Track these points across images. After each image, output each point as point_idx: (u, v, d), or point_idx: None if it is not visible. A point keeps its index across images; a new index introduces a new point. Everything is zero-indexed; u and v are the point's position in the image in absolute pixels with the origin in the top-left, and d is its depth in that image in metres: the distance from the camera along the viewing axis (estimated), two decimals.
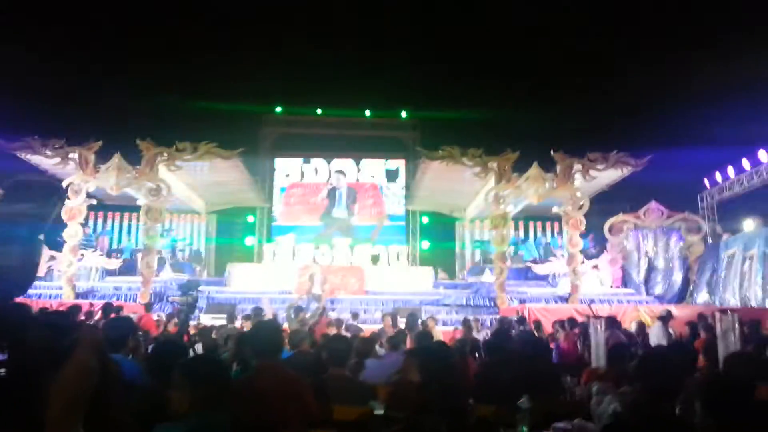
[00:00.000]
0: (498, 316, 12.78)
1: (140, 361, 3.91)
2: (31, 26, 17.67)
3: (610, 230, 16.84)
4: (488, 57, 20.56)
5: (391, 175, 22.67)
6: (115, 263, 17.21)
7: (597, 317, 5.80)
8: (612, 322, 7.76)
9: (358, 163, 22.52)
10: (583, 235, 16.07)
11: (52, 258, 15.99)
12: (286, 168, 22.61)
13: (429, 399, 2.34)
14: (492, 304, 14.93)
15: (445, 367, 3.12)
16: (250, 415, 2.47)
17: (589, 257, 16.74)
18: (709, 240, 16.65)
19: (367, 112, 22.21)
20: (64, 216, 15.08)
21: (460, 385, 2.28)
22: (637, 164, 15.40)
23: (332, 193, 22.44)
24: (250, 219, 21.95)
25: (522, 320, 11.59)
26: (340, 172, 22.56)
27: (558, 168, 15.37)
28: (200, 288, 14.04)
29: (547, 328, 10.96)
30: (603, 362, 5.16)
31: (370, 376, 4.96)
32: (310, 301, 13.02)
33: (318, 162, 22.53)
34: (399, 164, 22.62)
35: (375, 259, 18.40)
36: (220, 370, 2.43)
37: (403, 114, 22.33)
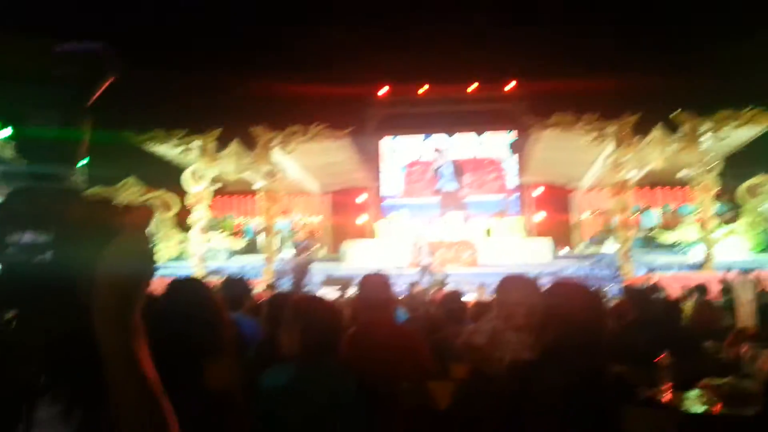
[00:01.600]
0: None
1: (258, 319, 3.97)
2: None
3: (747, 192, 15.38)
4: (595, 18, 19.32)
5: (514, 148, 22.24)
6: (240, 243, 18.07)
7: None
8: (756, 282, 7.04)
9: (480, 135, 22.32)
10: (718, 198, 14.82)
11: (182, 241, 17.06)
12: (399, 146, 22.79)
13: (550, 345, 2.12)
14: (616, 274, 14.14)
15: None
16: (364, 365, 2.37)
17: (724, 222, 15.42)
18: None
19: (474, 85, 21.66)
20: (190, 200, 16.02)
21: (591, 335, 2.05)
22: None
23: (438, 169, 22.31)
24: (362, 198, 22.24)
25: (654, 288, 10.87)
26: (437, 150, 22.48)
27: (684, 128, 14.24)
28: (312, 252, 14.32)
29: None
30: (750, 322, 4.64)
31: None
32: (423, 275, 13.00)
33: (431, 140, 22.58)
34: (510, 138, 22.08)
35: (488, 232, 18.06)
36: (332, 314, 2.35)
37: (511, 84, 21.56)
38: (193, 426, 2.14)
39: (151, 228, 17.35)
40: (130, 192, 17.28)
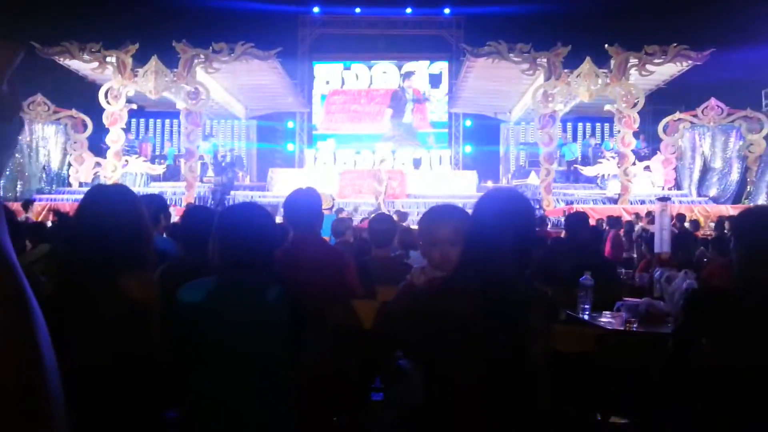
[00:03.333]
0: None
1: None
2: None
3: (664, 130, 16.00)
4: None
5: (434, 80, 21.80)
6: (159, 169, 17.34)
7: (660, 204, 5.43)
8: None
9: (400, 68, 21.69)
10: (636, 135, 15.34)
11: (98, 164, 16.19)
12: (326, 74, 21.97)
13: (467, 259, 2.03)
14: (538, 206, 14.54)
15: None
16: (292, 281, 2.24)
17: (640, 158, 16.05)
18: None
19: (408, 10, 21.12)
20: (105, 121, 15.17)
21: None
22: (699, 57, 14.42)
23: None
24: (291, 125, 21.66)
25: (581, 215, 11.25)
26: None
27: (612, 63, 14.51)
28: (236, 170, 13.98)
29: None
30: (666, 248, 4.82)
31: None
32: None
33: (358, 68, 21.80)
34: (442, 67, 21.69)
35: (417, 163, 18.10)
36: (259, 224, 2.16)
37: (446, 10, 21.16)
38: (109, 334, 1.99)
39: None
40: (37, 111, 16.08)
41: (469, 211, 2.17)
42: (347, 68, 21.83)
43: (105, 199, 2.14)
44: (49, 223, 6.61)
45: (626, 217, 11.79)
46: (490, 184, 18.46)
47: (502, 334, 1.90)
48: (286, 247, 3.12)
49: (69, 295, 1.98)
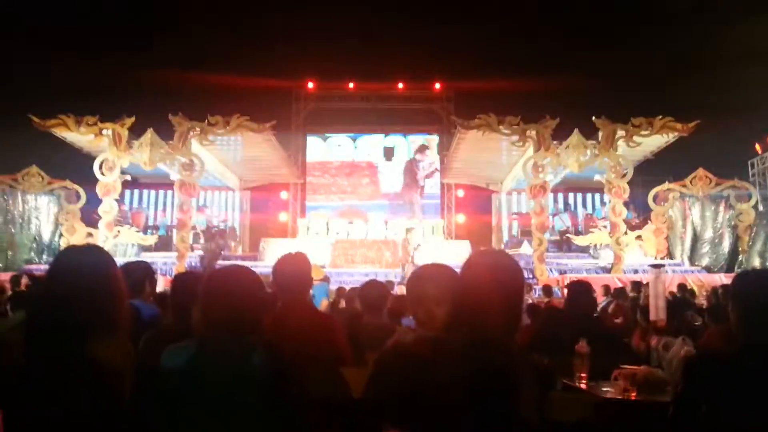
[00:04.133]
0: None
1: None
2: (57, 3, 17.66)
3: (654, 199, 16.17)
4: (523, 22, 19.82)
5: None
6: (150, 239, 17.25)
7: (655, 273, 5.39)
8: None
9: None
10: (626, 205, 15.48)
11: (89, 235, 16.11)
12: (317, 145, 22.45)
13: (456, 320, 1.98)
14: (531, 276, 14.48)
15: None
16: (274, 348, 2.16)
17: (631, 228, 16.14)
18: (761, 208, 15.82)
19: (400, 85, 21.74)
20: (99, 191, 15.23)
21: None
22: (684, 129, 14.73)
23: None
24: (284, 195, 21.82)
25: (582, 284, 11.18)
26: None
27: (600, 134, 14.80)
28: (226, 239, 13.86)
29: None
30: (662, 315, 4.75)
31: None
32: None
33: (340, 139, 22.29)
34: (428, 139, 22.23)
35: (410, 233, 18.10)
36: (246, 288, 2.09)
37: (437, 85, 21.78)
38: (76, 401, 1.89)
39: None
40: (31, 182, 16.14)
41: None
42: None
43: (75, 260, 2.08)
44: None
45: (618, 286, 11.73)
46: None
47: (490, 398, 1.82)
48: (277, 310, 3.06)
49: (38, 362, 1.89)
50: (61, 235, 16.48)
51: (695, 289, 12.14)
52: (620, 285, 11.96)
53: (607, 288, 10.18)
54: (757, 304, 2.22)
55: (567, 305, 4.83)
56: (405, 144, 22.19)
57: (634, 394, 3.22)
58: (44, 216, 16.38)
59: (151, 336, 2.74)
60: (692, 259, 15.76)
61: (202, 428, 1.94)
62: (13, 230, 15.71)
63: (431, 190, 22.07)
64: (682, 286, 10.07)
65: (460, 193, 21.74)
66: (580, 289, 4.76)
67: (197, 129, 15.21)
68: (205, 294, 2.07)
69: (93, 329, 1.94)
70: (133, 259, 15.94)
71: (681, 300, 6.68)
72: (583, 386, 3.37)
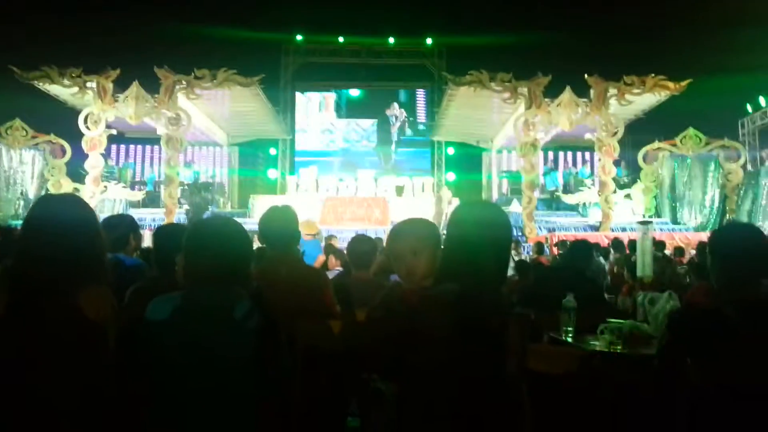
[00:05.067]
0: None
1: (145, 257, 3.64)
2: None
3: (644, 158, 16.16)
4: None
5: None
6: (138, 195, 17.14)
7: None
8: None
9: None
10: (616, 163, 15.49)
11: (76, 190, 15.94)
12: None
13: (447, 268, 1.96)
14: (520, 233, 14.54)
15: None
16: (266, 300, 2.13)
17: (620, 187, 16.19)
18: (749, 168, 15.88)
19: (391, 39, 21.34)
20: (85, 146, 15.02)
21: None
22: (676, 88, 14.66)
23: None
24: (273, 151, 21.64)
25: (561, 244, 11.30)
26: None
27: (592, 92, 14.71)
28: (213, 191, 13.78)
29: None
30: (649, 271, 4.78)
31: None
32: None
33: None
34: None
35: (400, 191, 18.11)
36: (229, 238, 2.04)
37: (429, 41, 21.42)
38: (58, 351, 1.87)
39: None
40: (15, 136, 15.86)
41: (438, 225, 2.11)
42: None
43: (52, 210, 2.01)
44: None
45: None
46: None
47: (478, 350, 1.82)
48: (264, 264, 3.03)
49: (18, 315, 1.85)
50: (47, 190, 16.30)
51: (682, 246, 12.25)
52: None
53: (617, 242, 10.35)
54: (733, 256, 2.23)
55: (562, 262, 4.84)
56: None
57: (619, 347, 3.25)
58: (30, 171, 16.16)
59: (137, 288, 2.71)
60: (680, 218, 15.88)
61: (188, 380, 1.92)
62: None
63: (411, 146, 21.97)
64: (661, 244, 10.13)
65: (450, 150, 21.63)
66: (584, 249, 4.76)
67: (183, 82, 14.93)
68: (188, 244, 2.03)
69: (74, 280, 1.89)
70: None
71: (667, 258, 6.72)
72: (569, 339, 3.41)
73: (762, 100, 17.37)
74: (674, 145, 16.00)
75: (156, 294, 2.17)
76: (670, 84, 14.55)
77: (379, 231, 14.96)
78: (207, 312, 1.95)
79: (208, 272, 1.98)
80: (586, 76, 14.61)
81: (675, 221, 15.87)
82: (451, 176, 21.46)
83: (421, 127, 22.36)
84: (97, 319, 1.89)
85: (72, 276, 1.89)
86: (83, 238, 1.96)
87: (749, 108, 18.10)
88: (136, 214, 16.04)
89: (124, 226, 3.44)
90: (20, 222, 14.87)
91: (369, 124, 22.25)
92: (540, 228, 14.84)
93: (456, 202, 14.44)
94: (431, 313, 1.85)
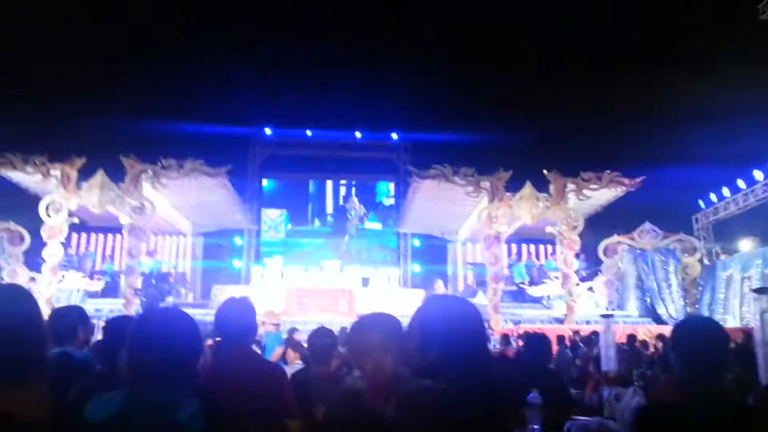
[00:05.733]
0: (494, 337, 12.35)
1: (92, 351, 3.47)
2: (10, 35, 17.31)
3: (605, 252, 16.50)
4: (478, 78, 20.42)
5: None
6: (97, 285, 16.64)
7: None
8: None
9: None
10: (576, 256, 15.76)
11: (32, 279, 15.43)
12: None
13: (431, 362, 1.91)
14: (486, 326, 14.45)
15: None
16: (218, 397, 2.03)
17: (582, 279, 16.40)
18: (706, 261, 16.32)
19: (358, 134, 21.96)
20: (44, 234, 14.68)
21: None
22: (631, 184, 15.23)
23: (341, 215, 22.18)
24: (238, 241, 21.48)
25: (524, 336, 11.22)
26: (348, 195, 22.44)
27: (551, 187, 15.16)
28: (170, 281, 13.53)
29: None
30: (613, 365, 4.74)
31: None
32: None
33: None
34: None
35: (365, 282, 17.99)
36: (178, 331, 1.98)
37: (395, 135, 22.09)
38: None
39: None
40: None
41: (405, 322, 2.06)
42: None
43: None
44: None
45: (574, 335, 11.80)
46: None
47: None
48: (215, 358, 2.91)
49: None
50: (1, 279, 15.74)
51: (647, 340, 12.30)
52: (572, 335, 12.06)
53: (560, 337, 10.24)
54: (696, 351, 2.23)
55: (523, 355, 4.78)
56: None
57: None
58: None
59: (81, 386, 2.56)
60: (642, 311, 16.02)
61: None
62: None
63: (377, 235, 22.18)
64: (631, 338, 10.19)
65: (416, 242, 21.80)
66: (540, 341, 4.73)
67: (150, 171, 14.93)
68: (132, 339, 1.94)
69: (5, 377, 1.78)
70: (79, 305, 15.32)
71: (631, 351, 6.72)
72: None
73: (713, 196, 18.12)
74: (632, 238, 16.42)
75: (101, 391, 2.04)
76: (626, 180, 15.12)
77: (344, 322, 14.74)
78: (149, 413, 1.83)
79: (153, 369, 1.88)
80: (545, 171, 15.10)
81: (644, 314, 15.99)
82: (417, 267, 21.50)
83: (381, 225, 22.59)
84: (27, 421, 1.76)
85: (7, 374, 1.77)
86: (22, 332, 1.86)
87: (701, 204, 18.86)
88: (93, 304, 15.56)
89: (72, 318, 3.30)
90: None
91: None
92: (506, 320, 14.80)
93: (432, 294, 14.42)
94: (409, 412, 1.77)
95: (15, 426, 1.74)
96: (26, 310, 1.93)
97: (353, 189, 22.88)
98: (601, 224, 17.90)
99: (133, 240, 14.96)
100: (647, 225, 16.34)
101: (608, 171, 15.03)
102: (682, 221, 17.15)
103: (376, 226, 22.53)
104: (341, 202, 22.53)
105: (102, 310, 15.11)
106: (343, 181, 22.74)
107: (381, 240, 22.43)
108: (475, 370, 1.94)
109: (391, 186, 22.64)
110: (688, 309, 15.55)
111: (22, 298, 1.98)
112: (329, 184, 22.77)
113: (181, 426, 1.81)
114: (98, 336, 6.21)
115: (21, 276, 15.61)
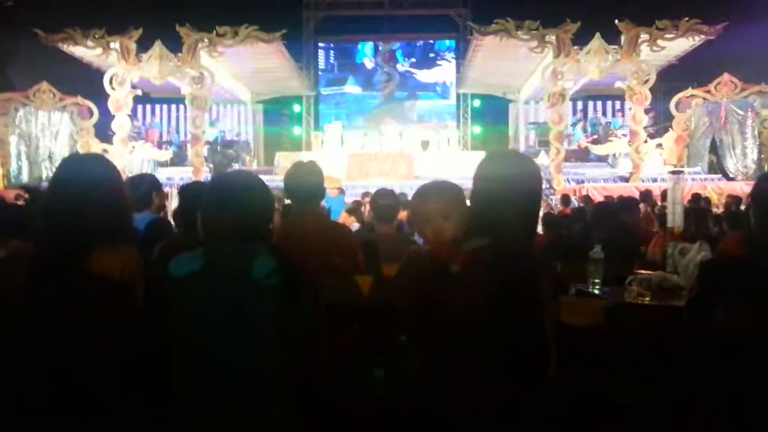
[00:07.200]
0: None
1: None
2: None
3: (676, 106, 15.66)
4: None
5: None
6: (166, 154, 17.28)
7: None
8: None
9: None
10: (647, 112, 15.08)
11: (105, 151, 16.12)
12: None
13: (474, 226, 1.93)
14: (548, 186, 14.36)
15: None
16: (285, 255, 2.13)
17: (652, 136, 15.79)
18: None
19: None
20: (111, 107, 15.14)
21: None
22: (711, 31, 14.13)
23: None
24: (297, 108, 21.55)
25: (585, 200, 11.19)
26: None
27: (623, 39, 14.27)
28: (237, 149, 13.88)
29: None
30: (679, 221, 4.67)
31: None
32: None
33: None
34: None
35: (425, 145, 17.96)
36: (251, 192, 2.02)
37: None
38: (84, 313, 1.90)
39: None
40: (43, 99, 16.01)
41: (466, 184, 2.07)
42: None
43: (77, 170, 2.02)
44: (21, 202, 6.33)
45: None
46: None
47: (516, 311, 1.80)
48: (287, 219, 3.04)
49: (42, 279, 1.88)
50: (77, 151, 16.52)
51: (713, 197, 12.00)
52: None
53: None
54: None
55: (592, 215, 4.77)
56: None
57: (647, 298, 3.21)
58: (58, 132, 16.35)
59: (164, 244, 2.74)
60: (714, 168, 15.47)
61: (213, 338, 1.94)
62: (27, 149, 15.76)
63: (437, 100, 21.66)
64: (696, 196, 9.95)
65: (476, 102, 21.29)
66: (631, 205, 4.67)
67: (206, 40, 14.90)
68: (206, 201, 2.03)
69: (98, 240, 1.91)
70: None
71: (700, 208, 6.59)
72: (596, 291, 3.37)
73: None
74: (708, 92, 15.46)
75: (181, 251, 2.18)
76: (705, 27, 14.05)
77: (405, 186, 14.94)
78: (227, 270, 1.94)
79: (228, 229, 1.97)
80: (616, 21, 14.14)
81: (711, 170, 15.46)
82: (477, 129, 21.17)
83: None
84: (122, 278, 1.92)
85: (95, 236, 1.91)
86: (108, 196, 1.98)
87: None
88: (164, 173, 16.26)
89: (146, 185, 3.46)
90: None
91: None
92: (568, 181, 14.64)
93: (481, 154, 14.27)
94: (467, 272, 1.83)
95: (113, 284, 1.90)
96: (112, 177, 2.04)
97: (413, 50, 22.12)
98: (675, 77, 16.91)
99: (196, 109, 15.26)
100: (726, 76, 15.27)
101: (686, 18, 13.93)
102: (765, 72, 15.86)
103: (434, 82, 21.95)
104: (399, 65, 21.86)
105: (173, 178, 15.82)
106: (396, 44, 21.91)
107: (440, 102, 21.97)
108: (528, 228, 1.96)
109: (450, 45, 21.72)
110: (765, 165, 14.89)
111: (106, 164, 2.08)
112: (384, 47, 22.00)
113: (257, 280, 1.93)
114: (173, 203, 6.55)
115: (94, 148, 16.30)
